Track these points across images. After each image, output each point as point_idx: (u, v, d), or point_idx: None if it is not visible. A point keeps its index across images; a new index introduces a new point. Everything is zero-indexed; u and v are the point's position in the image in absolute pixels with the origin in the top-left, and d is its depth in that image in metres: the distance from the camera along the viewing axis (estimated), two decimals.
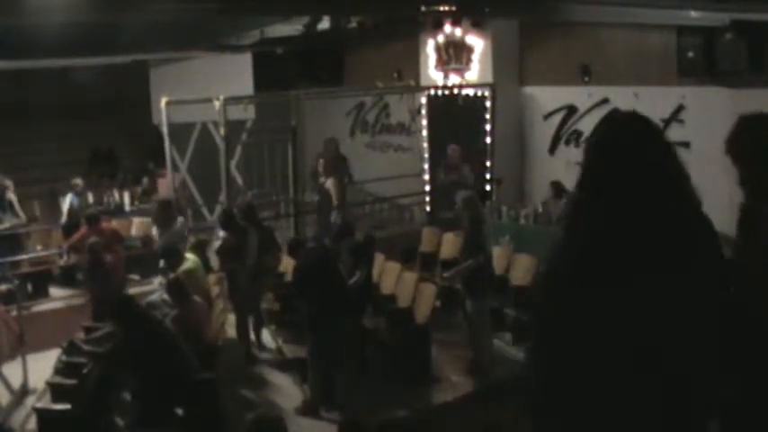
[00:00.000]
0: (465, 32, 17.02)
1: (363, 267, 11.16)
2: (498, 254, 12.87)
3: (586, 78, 15.92)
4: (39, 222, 16.88)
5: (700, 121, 14.34)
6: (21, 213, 15.41)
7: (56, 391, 8.89)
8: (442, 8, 14.73)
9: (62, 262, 14.41)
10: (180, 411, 8.20)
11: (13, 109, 20.40)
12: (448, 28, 17.22)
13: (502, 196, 16.26)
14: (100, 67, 20.00)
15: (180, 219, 13.87)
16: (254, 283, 11.80)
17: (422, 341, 10.75)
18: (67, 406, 8.17)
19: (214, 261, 12.54)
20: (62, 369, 9.39)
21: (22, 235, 14.89)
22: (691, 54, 13.70)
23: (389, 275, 12.21)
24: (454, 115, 16.81)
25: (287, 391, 10.47)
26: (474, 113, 16.55)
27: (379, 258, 12.55)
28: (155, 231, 14.29)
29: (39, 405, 8.84)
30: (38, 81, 20.04)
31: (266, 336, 12.24)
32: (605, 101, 15.67)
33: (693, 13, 12.22)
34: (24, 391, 10.54)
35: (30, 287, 12.91)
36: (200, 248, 12.11)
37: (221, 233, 12.32)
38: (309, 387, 10.08)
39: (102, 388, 8.26)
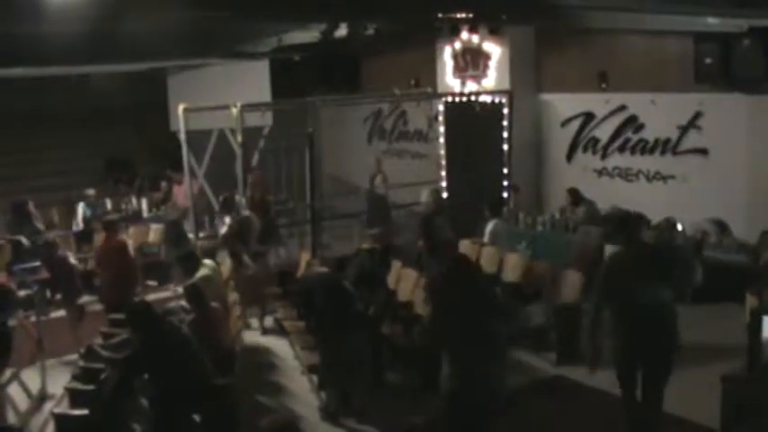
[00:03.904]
0: (482, 39, 17.03)
1: (379, 291, 11.22)
2: (514, 261, 12.85)
3: (604, 85, 15.90)
4: (57, 229, 16.97)
5: (717, 127, 14.32)
6: (40, 225, 15.55)
7: (74, 397, 8.91)
8: (458, 15, 14.73)
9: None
10: (197, 417, 8.21)
11: (33, 116, 20.54)
12: (465, 35, 17.23)
13: (519, 203, 16.24)
14: (118, 74, 20.11)
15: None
16: (257, 267, 13.21)
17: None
18: (85, 411, 8.18)
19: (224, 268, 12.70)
20: (80, 375, 9.42)
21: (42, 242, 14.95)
22: (708, 60, 13.65)
23: (406, 282, 12.18)
24: (471, 122, 16.78)
25: (304, 398, 10.46)
26: (491, 120, 16.53)
27: (395, 265, 12.53)
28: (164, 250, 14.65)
29: (57, 410, 8.85)
30: (56, 88, 20.15)
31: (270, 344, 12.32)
32: (623, 107, 15.66)
33: (711, 20, 12.18)
34: (42, 396, 10.58)
35: (48, 293, 12.96)
36: (210, 254, 12.26)
37: (226, 219, 12.96)
38: (326, 394, 10.08)
39: (120, 394, 8.27)
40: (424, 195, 14.44)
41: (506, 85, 16.79)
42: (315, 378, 10.46)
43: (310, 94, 19.54)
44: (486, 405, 7.29)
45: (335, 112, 21.32)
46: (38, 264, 13.28)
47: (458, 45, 17.65)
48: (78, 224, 16.52)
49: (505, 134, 16.46)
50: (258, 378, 11.15)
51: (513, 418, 8.19)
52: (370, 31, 15.67)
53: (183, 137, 15.99)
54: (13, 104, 20.31)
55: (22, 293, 11.44)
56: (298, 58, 19.64)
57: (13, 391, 10.08)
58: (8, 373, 9.85)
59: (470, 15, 14.97)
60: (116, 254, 12.31)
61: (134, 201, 18.93)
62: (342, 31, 15.19)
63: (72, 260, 13.14)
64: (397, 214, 17.97)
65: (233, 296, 11.47)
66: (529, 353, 11.43)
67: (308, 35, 15.78)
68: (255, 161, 17.95)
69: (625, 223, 7.95)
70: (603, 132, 16.17)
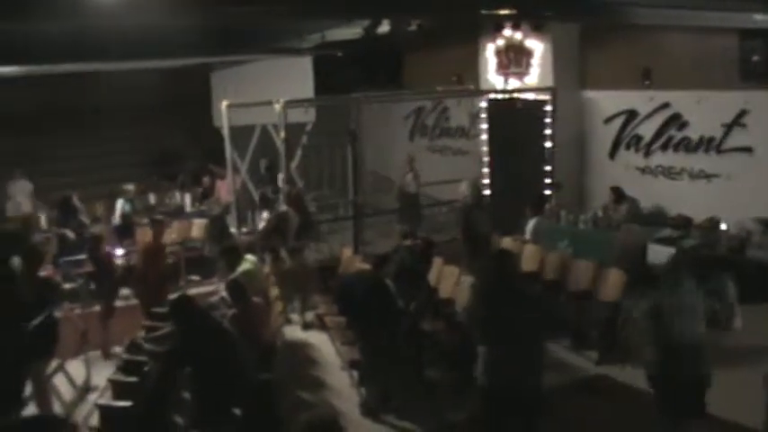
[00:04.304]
0: (525, 36, 16.96)
1: (420, 287, 11.19)
2: (554, 258, 12.81)
3: (647, 82, 15.77)
4: (102, 222, 17.16)
5: (763, 125, 14.15)
6: (85, 218, 15.72)
7: (117, 389, 9.01)
8: (501, 11, 14.69)
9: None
10: (238, 411, 8.27)
11: (77, 111, 20.75)
12: (508, 31, 17.17)
13: (561, 201, 16.17)
14: (163, 70, 20.26)
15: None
16: (294, 260, 13.32)
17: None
18: (128, 403, 8.28)
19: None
20: (123, 367, 9.53)
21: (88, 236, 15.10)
22: (755, 58, 13.51)
23: (448, 279, 12.19)
24: (514, 119, 16.76)
25: (344, 393, 10.49)
26: (534, 117, 16.49)
27: (437, 262, 12.53)
28: (207, 245, 14.74)
29: (101, 401, 8.97)
30: (102, 84, 20.36)
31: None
32: (666, 105, 15.52)
33: (757, 17, 12.03)
34: (87, 387, 10.73)
35: (93, 286, 13.10)
36: (252, 249, 12.36)
37: (264, 214, 13.09)
38: (366, 390, 10.11)
39: (162, 387, 8.34)
40: (463, 187, 14.47)
41: (549, 82, 16.72)
42: (355, 374, 10.50)
43: (353, 91, 19.57)
44: (520, 402, 7.29)
45: (378, 109, 21.34)
46: (83, 257, 13.45)
47: (501, 42, 17.61)
48: (117, 219, 16.65)
49: (548, 131, 16.41)
50: (298, 373, 11.18)
51: (552, 416, 8.16)
52: (413, 28, 15.68)
53: (226, 132, 16.09)
54: (57, 100, 20.55)
55: (67, 286, 11.59)
56: (341, 55, 19.68)
57: (59, 381, 10.22)
58: (54, 363, 9.99)
59: (513, 12, 14.92)
60: (161, 254, 12.46)
61: (177, 196, 19.07)
62: (384, 27, 15.21)
63: (116, 256, 13.26)
64: (438, 211, 17.98)
65: (274, 291, 11.52)
66: (569, 351, 11.40)
67: (351, 31, 15.83)
68: (298, 157, 18.04)
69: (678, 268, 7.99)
70: (647, 130, 16.04)
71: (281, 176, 15.39)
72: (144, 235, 14.32)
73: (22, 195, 18.09)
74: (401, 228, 15.87)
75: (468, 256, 12.92)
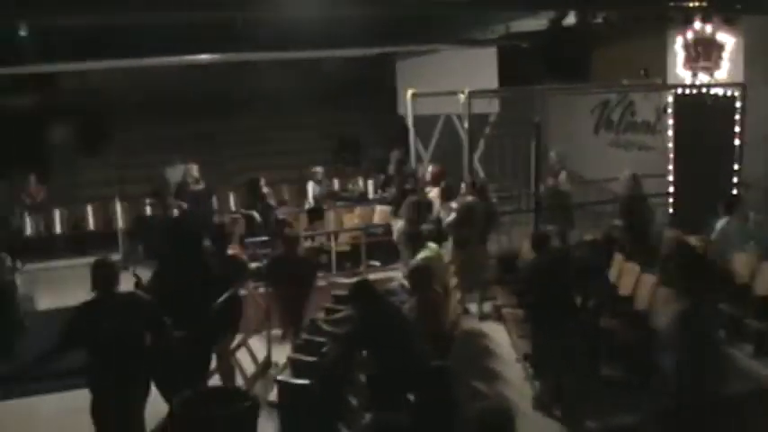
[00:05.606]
0: (715, 29, 16.45)
1: (600, 283, 11.06)
2: (742, 260, 12.43)
3: None
4: (288, 206, 17.66)
5: None
6: (272, 201, 16.18)
7: (296, 367, 9.30)
8: (691, 4, 14.33)
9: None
10: (412, 397, 8.40)
11: (268, 98, 21.37)
12: (698, 25, 16.69)
13: (750, 201, 15.63)
14: (349, 57, 20.63)
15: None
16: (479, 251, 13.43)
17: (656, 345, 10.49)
18: (306, 381, 8.53)
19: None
20: (302, 346, 9.83)
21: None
22: None
23: (628, 276, 12.00)
24: (702, 115, 16.30)
25: (517, 386, 10.50)
26: (723, 114, 15.98)
27: (618, 258, 12.36)
28: (394, 222, 14.83)
29: (280, 378, 9.27)
30: (294, 72, 20.89)
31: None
32: None
33: None
34: (268, 363, 11.10)
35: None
36: (434, 238, 12.43)
37: (453, 204, 13.17)
38: (540, 384, 10.09)
39: (339, 367, 8.56)
40: (623, 178, 14.43)
41: (740, 78, 16.14)
42: (530, 367, 10.49)
43: (537, 83, 19.43)
44: (702, 407, 7.14)
45: (563, 102, 21.13)
46: (268, 238, 13.87)
47: (690, 35, 17.11)
48: (310, 202, 17.11)
49: (737, 128, 15.89)
50: (473, 363, 11.25)
51: (731, 423, 7.95)
52: (599, 20, 15.46)
53: (410, 121, 16.27)
54: (251, 87, 21.25)
55: (252, 265, 11.99)
56: (526, 46, 19.58)
57: (241, 356, 10.62)
58: (238, 339, 10.40)
59: (704, 4, 14.53)
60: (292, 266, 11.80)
61: (360, 182, 19.41)
62: (570, 19, 15.06)
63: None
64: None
65: (453, 280, 11.61)
66: (751, 358, 11.07)
67: (537, 23, 15.73)
68: (481, 147, 18.05)
69: None
70: None
71: (426, 169, 15.32)
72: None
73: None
74: (551, 229, 15.68)
75: (628, 246, 12.76)
